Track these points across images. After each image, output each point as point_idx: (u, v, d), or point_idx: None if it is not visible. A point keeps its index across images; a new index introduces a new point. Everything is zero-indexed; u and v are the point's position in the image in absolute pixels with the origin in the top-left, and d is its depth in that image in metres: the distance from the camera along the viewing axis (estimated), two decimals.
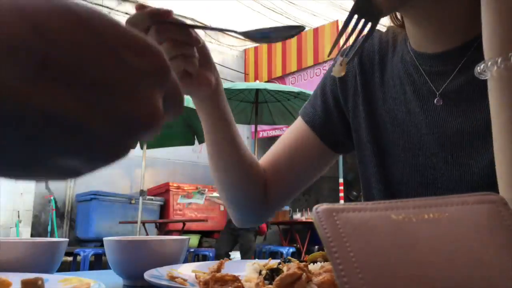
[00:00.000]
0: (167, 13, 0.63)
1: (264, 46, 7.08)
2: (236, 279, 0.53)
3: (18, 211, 5.80)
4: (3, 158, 0.22)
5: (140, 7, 0.63)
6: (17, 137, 0.21)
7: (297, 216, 6.35)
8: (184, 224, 5.32)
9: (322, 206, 0.27)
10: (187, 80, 0.69)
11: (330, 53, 0.67)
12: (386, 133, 0.78)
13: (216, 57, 7.79)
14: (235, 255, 5.41)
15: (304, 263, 0.56)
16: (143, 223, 5.13)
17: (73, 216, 6.21)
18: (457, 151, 0.69)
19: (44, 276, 0.51)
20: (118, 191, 6.23)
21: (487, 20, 0.48)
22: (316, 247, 6.01)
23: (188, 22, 0.70)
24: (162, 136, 5.83)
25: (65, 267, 4.79)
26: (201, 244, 5.97)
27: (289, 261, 0.61)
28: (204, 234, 6.14)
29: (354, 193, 7.85)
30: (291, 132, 0.89)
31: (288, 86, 6.20)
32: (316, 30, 6.61)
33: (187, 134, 5.94)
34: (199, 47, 0.69)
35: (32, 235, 5.67)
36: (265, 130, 7.19)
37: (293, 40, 6.81)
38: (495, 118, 0.48)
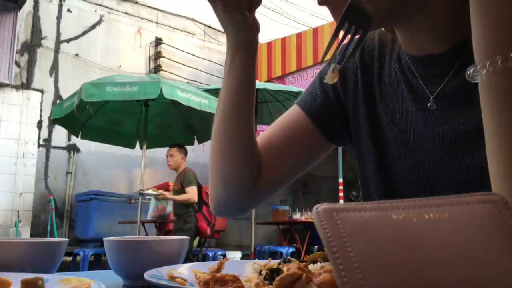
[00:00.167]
0: None
1: (264, 46, 7.08)
2: (236, 279, 0.53)
3: (18, 211, 5.80)
4: None
5: None
6: None
7: (297, 216, 6.35)
8: None
9: (322, 206, 0.27)
10: (243, 17, 0.71)
11: (325, 56, 0.67)
12: (384, 131, 0.78)
13: (216, 57, 7.80)
14: (235, 255, 5.41)
15: (304, 263, 0.56)
16: (143, 223, 5.13)
17: (73, 216, 6.21)
18: (453, 150, 0.69)
19: (44, 276, 0.51)
20: (118, 191, 6.23)
21: (476, 23, 0.48)
22: (316, 247, 6.02)
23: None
24: (162, 136, 5.84)
25: (65, 267, 4.79)
26: (201, 244, 5.96)
27: (289, 261, 0.60)
28: None
29: (354, 193, 7.85)
30: (286, 118, 0.87)
31: (287, 86, 6.21)
32: (316, 30, 6.62)
33: (187, 134, 5.94)
34: None
35: (31, 235, 5.67)
36: (265, 130, 7.18)
37: (293, 40, 6.82)
38: (486, 122, 0.48)
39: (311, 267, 0.55)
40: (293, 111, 0.87)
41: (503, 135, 0.45)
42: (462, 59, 0.67)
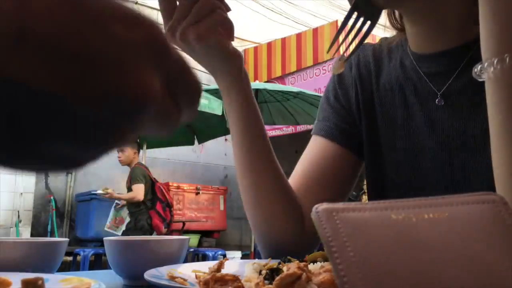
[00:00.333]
0: None
1: (263, 46, 7.08)
2: (236, 279, 0.53)
3: (18, 211, 5.80)
4: None
5: None
6: None
7: None
8: (184, 224, 5.32)
9: (322, 206, 0.27)
10: (223, 44, 0.70)
11: (329, 49, 0.67)
12: (385, 137, 0.78)
13: None
14: (235, 255, 5.41)
15: (304, 263, 0.56)
16: None
17: (73, 216, 6.21)
18: (458, 152, 0.69)
19: (44, 276, 0.51)
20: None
21: (484, 21, 0.48)
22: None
23: None
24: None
25: (65, 267, 4.79)
26: (201, 244, 5.97)
27: (289, 261, 0.61)
28: (204, 234, 6.14)
29: (354, 193, 7.83)
30: (311, 153, 0.83)
31: (287, 86, 6.20)
32: (315, 30, 6.61)
33: (187, 134, 5.94)
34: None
35: (32, 235, 5.67)
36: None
37: (293, 40, 6.81)
38: (491, 120, 0.48)
39: (311, 266, 0.55)
40: (315, 143, 0.83)
41: (509, 131, 0.45)
42: (469, 57, 0.67)
